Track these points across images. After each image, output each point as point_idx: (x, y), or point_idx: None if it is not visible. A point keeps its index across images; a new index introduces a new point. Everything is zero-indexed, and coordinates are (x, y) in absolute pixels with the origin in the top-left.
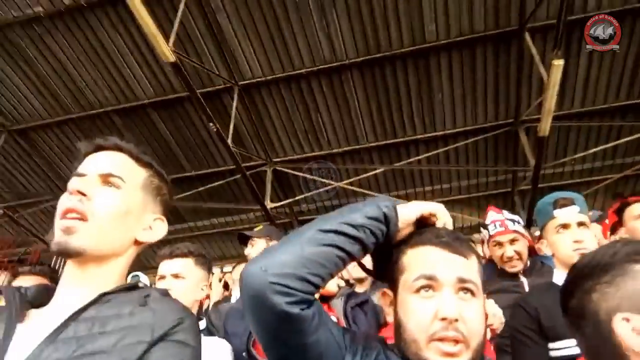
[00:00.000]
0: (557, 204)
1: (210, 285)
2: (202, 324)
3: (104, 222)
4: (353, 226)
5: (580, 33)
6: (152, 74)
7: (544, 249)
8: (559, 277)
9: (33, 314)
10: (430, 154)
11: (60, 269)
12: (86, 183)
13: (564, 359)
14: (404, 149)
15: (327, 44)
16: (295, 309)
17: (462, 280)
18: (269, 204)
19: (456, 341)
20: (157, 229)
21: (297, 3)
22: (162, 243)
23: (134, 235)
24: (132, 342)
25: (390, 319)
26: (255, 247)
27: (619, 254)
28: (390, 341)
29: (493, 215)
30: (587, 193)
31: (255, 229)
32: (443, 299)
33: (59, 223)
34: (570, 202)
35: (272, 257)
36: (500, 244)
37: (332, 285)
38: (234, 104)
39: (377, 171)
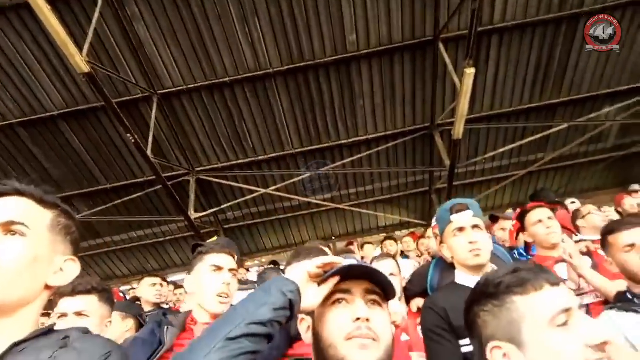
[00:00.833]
0: (453, 210)
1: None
2: None
3: (11, 273)
4: (262, 324)
5: (488, 42)
6: (61, 83)
7: (445, 252)
8: (460, 277)
9: None
10: (353, 157)
11: None
12: None
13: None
14: (329, 154)
15: (250, 53)
16: None
17: (369, 292)
18: (193, 214)
19: (368, 337)
20: (69, 270)
21: (219, 12)
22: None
23: (44, 281)
24: None
25: (308, 341)
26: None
27: (502, 285)
28: None
29: None
30: (496, 189)
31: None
32: (356, 304)
33: None
34: (465, 207)
35: None
36: None
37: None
38: (153, 113)
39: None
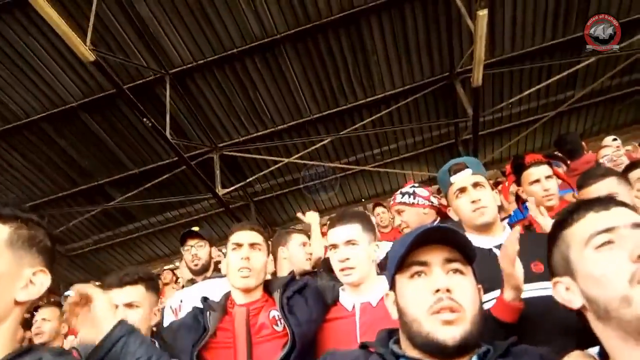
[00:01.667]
0: (451, 171)
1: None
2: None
3: None
4: None
5: None
6: (76, 75)
7: (452, 215)
8: (469, 238)
9: None
10: (373, 117)
11: None
12: None
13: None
14: (347, 116)
15: (255, 20)
16: None
17: (449, 261)
18: (221, 190)
19: (452, 309)
20: (39, 282)
21: None
22: (118, 247)
23: (11, 297)
24: None
25: (394, 316)
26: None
27: (555, 225)
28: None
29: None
30: (526, 134)
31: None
32: (434, 275)
33: None
34: (463, 167)
35: None
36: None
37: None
38: (167, 93)
39: (325, 141)
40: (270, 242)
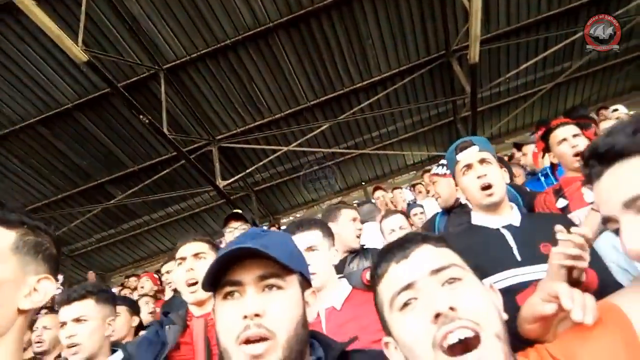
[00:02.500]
0: (457, 149)
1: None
2: (119, 355)
3: None
4: None
5: None
6: (69, 76)
7: (460, 195)
8: (477, 218)
9: None
10: (371, 100)
11: None
12: None
13: None
14: (345, 101)
15: (246, 9)
16: None
17: (263, 277)
18: (221, 182)
19: (259, 338)
20: (43, 289)
21: None
22: (121, 244)
23: (14, 306)
24: None
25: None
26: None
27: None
28: None
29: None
30: (524, 107)
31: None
32: (246, 296)
33: None
34: (469, 144)
35: None
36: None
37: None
38: (162, 89)
39: (323, 127)
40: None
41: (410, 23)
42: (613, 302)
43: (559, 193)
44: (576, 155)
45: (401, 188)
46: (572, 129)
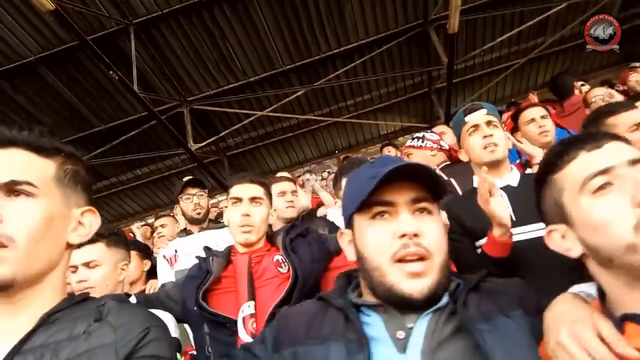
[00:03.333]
0: (466, 111)
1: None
2: (133, 301)
3: (27, 244)
4: None
5: None
6: (32, 27)
7: (462, 157)
8: (477, 180)
9: None
10: (347, 67)
11: None
12: None
13: None
14: (321, 67)
15: None
16: None
17: (416, 200)
18: (193, 145)
19: (419, 257)
20: (89, 223)
21: None
22: None
23: (64, 240)
24: None
25: (350, 257)
26: None
27: (543, 167)
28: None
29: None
30: (497, 81)
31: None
32: (400, 217)
33: None
34: (479, 107)
35: None
36: None
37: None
38: (133, 45)
39: (298, 93)
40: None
41: None
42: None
43: (526, 165)
44: (541, 134)
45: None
46: (540, 110)
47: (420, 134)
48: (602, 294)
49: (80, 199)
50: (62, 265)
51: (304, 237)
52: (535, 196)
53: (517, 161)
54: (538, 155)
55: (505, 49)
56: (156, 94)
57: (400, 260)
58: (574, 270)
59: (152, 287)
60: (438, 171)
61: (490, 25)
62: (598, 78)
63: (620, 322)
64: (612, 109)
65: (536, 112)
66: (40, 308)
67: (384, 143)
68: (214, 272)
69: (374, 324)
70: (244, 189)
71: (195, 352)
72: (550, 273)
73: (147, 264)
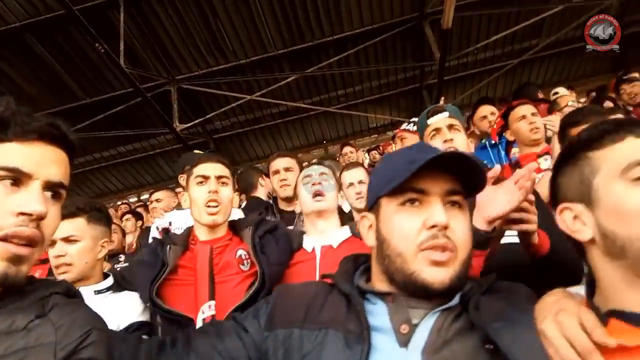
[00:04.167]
0: (429, 113)
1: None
2: (109, 282)
3: None
4: None
5: None
6: None
7: None
8: None
9: None
10: (340, 56)
11: None
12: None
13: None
14: (314, 54)
15: None
16: None
17: (450, 193)
18: (178, 126)
19: (445, 248)
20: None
21: None
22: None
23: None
24: None
25: (370, 242)
26: None
27: (578, 143)
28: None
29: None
30: (488, 81)
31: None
32: (432, 207)
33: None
34: (441, 109)
35: None
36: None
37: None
38: (122, 18)
39: (289, 80)
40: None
41: None
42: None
43: (516, 166)
44: (532, 130)
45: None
46: (530, 108)
47: (415, 119)
48: (590, 291)
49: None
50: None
51: (272, 233)
52: (554, 169)
53: (505, 163)
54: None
55: (498, 49)
56: (144, 70)
57: (427, 249)
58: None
59: None
60: None
61: (485, 23)
62: (589, 85)
63: (605, 317)
64: (574, 120)
65: (527, 109)
66: None
67: (342, 142)
68: (170, 263)
69: (379, 313)
70: (211, 168)
71: None
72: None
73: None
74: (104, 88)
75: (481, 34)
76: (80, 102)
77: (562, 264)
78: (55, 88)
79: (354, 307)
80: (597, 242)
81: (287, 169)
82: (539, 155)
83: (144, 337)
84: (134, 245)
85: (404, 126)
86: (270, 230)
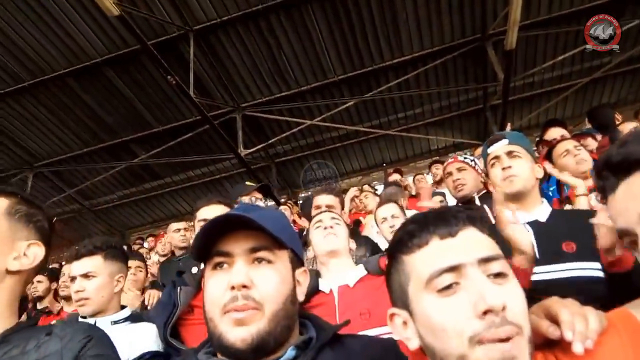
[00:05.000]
0: (489, 142)
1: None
2: (126, 313)
3: None
4: None
5: None
6: (100, 29)
7: (491, 188)
8: None
9: None
10: (400, 79)
11: None
12: None
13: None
14: (373, 79)
15: None
16: None
17: (254, 250)
18: (243, 151)
19: (244, 309)
20: (32, 254)
21: None
22: (142, 203)
23: (3, 267)
24: None
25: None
26: None
27: (395, 242)
28: None
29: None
30: (557, 101)
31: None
32: (234, 268)
33: None
34: (500, 137)
35: None
36: (450, 172)
37: None
38: (191, 51)
39: (349, 104)
40: None
41: (447, 1)
42: (630, 311)
43: (567, 201)
44: (579, 163)
45: (423, 174)
46: (571, 142)
47: (473, 157)
48: None
49: (31, 234)
50: (5, 292)
51: None
52: (386, 273)
53: (556, 197)
54: (580, 185)
55: (567, 68)
56: (211, 99)
57: (229, 312)
58: None
59: (151, 297)
60: (477, 200)
61: (551, 42)
62: None
63: None
64: None
65: (568, 144)
66: None
67: (433, 160)
68: (180, 304)
69: None
70: (214, 211)
71: None
72: None
73: None
74: (174, 116)
75: (547, 52)
76: (153, 129)
77: None
78: (131, 117)
79: None
80: (424, 351)
81: (329, 207)
82: (590, 190)
83: None
84: None
85: (462, 157)
86: None
